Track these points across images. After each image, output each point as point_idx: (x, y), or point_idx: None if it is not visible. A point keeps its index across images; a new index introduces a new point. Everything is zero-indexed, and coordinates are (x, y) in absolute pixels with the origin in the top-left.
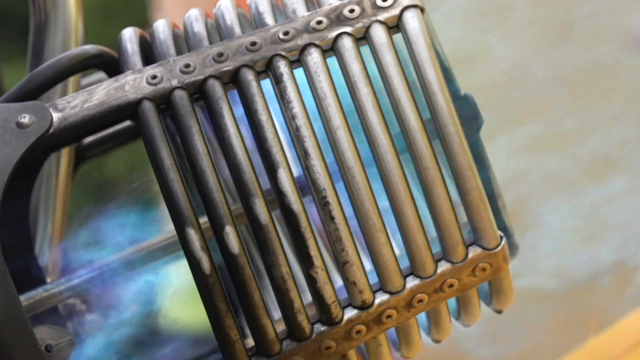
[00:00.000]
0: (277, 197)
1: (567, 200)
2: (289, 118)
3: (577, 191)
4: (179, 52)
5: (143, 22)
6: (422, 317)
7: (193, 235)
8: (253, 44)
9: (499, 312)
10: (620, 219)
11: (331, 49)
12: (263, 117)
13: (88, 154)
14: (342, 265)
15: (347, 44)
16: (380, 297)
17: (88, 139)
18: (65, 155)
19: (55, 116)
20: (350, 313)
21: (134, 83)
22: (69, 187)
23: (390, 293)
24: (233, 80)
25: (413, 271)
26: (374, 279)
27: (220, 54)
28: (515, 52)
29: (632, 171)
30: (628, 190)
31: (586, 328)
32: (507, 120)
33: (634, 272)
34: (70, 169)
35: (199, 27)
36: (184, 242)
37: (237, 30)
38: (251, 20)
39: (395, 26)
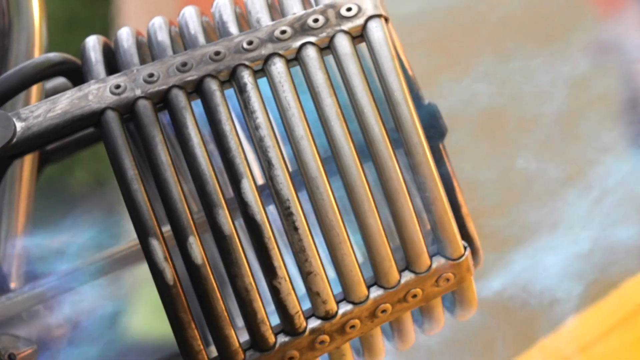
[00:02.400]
0: (240, 208)
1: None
2: (252, 128)
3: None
4: (142, 60)
5: (107, 30)
6: (386, 326)
7: (156, 245)
8: (217, 53)
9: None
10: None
11: (295, 59)
12: (227, 127)
13: (52, 157)
14: (305, 276)
15: (311, 53)
16: (344, 307)
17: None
18: (28, 161)
19: (19, 125)
20: (313, 323)
21: (97, 92)
22: (32, 193)
23: (354, 303)
24: (197, 89)
25: (377, 281)
26: (338, 288)
27: (184, 64)
28: (482, 66)
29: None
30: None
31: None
32: (474, 131)
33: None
34: (34, 174)
35: (162, 36)
36: (147, 252)
37: (201, 39)
38: (215, 29)
39: (359, 36)
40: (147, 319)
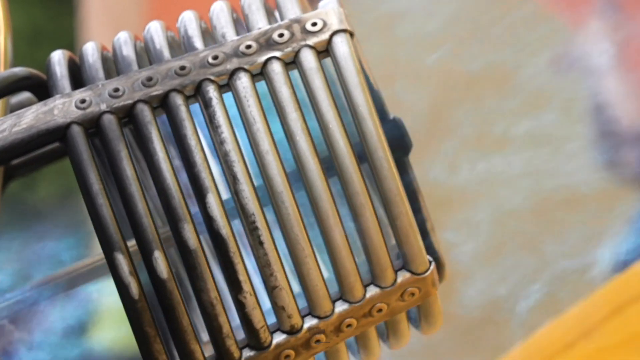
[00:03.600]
0: (205, 222)
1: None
2: (217, 143)
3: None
4: (108, 75)
5: (72, 44)
6: (351, 340)
7: (121, 260)
8: (182, 68)
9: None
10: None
11: (260, 74)
12: (192, 141)
13: (16, 172)
14: (270, 290)
15: (276, 68)
16: (309, 322)
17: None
18: None
19: None
20: (279, 338)
21: (62, 107)
22: None
23: (319, 318)
24: (162, 104)
25: (342, 296)
26: (303, 303)
27: (150, 78)
28: (443, 78)
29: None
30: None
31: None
32: (434, 142)
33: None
34: None
35: (127, 51)
36: (112, 266)
37: (167, 54)
38: (181, 44)
39: (324, 50)
40: (113, 333)
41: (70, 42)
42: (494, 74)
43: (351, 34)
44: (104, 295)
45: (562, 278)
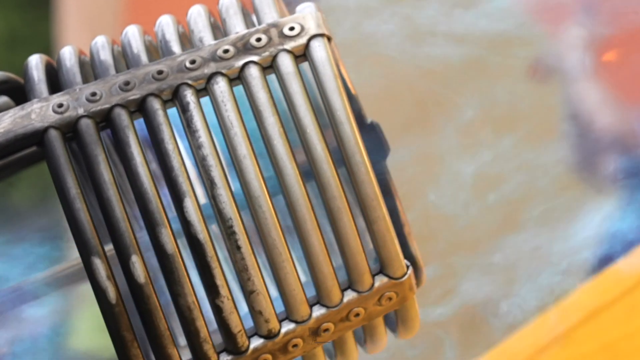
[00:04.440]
0: (183, 227)
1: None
2: (195, 147)
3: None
4: (85, 80)
5: (49, 49)
6: (328, 345)
7: (99, 264)
8: (160, 72)
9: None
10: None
11: (238, 78)
12: (169, 146)
13: None
14: (248, 295)
15: (253, 73)
16: (287, 326)
17: None
18: None
19: None
20: (256, 342)
21: (40, 111)
22: None
23: (297, 322)
24: (140, 108)
25: (319, 300)
26: (281, 307)
27: (127, 83)
28: (423, 85)
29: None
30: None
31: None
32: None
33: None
34: None
35: (105, 55)
36: (89, 271)
37: (144, 58)
38: (158, 48)
39: (302, 55)
40: (90, 337)
41: (47, 46)
42: (469, 82)
43: (329, 38)
44: (82, 299)
45: (534, 283)
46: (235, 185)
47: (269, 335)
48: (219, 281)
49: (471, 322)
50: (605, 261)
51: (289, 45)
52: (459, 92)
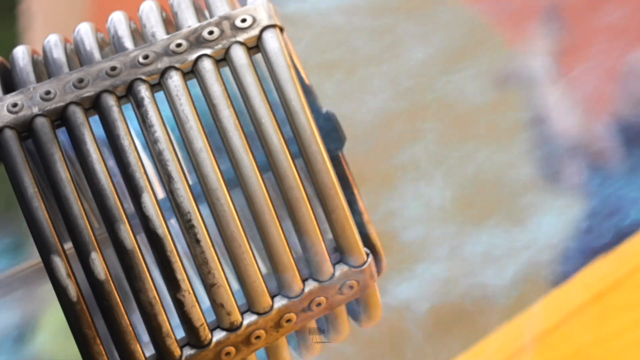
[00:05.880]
0: (141, 222)
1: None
2: (151, 142)
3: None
4: (39, 78)
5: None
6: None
7: (59, 262)
8: (113, 68)
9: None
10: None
11: (192, 72)
12: (125, 142)
13: None
14: (209, 288)
15: (207, 66)
16: (249, 318)
17: None
18: None
19: None
20: (219, 335)
21: None
22: None
23: (258, 314)
24: (94, 105)
25: (280, 291)
26: (242, 299)
27: (81, 80)
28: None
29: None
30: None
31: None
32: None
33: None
34: None
35: (58, 53)
36: (49, 269)
37: (97, 55)
38: (111, 45)
39: (255, 46)
40: (52, 336)
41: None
42: (430, 88)
43: (281, 29)
44: (43, 298)
45: (501, 291)
46: (193, 179)
47: (232, 328)
48: (180, 275)
49: (435, 324)
50: (571, 266)
51: (242, 37)
52: (422, 102)
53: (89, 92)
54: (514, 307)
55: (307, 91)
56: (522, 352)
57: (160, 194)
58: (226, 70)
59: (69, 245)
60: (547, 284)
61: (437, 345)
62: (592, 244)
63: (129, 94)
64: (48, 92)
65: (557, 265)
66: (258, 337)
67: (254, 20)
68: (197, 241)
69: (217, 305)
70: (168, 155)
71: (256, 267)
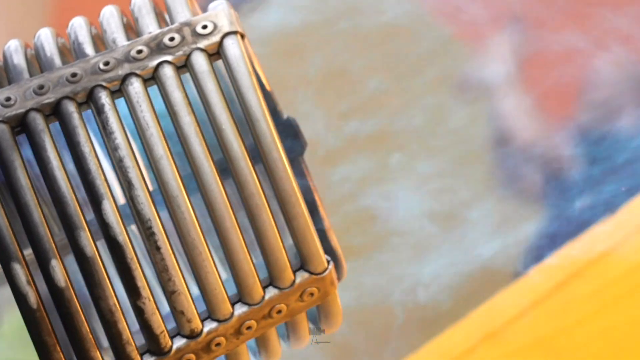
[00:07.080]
0: (101, 229)
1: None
2: (111, 149)
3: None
4: None
5: None
6: (251, 342)
7: (18, 269)
8: (73, 75)
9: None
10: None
11: (152, 78)
12: (85, 148)
13: None
14: (169, 295)
15: (167, 72)
16: (209, 325)
17: None
18: None
19: None
20: (179, 342)
21: None
22: None
23: (219, 321)
24: (55, 112)
25: (241, 298)
26: (202, 307)
27: (41, 86)
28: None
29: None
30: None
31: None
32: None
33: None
34: None
35: (18, 59)
36: (9, 276)
37: (58, 61)
38: (71, 51)
39: (216, 53)
40: (12, 343)
41: None
42: (390, 93)
43: (242, 36)
44: (3, 305)
45: (464, 283)
46: (154, 186)
47: (192, 335)
48: (140, 282)
49: (398, 320)
50: (531, 266)
51: (203, 43)
52: (383, 109)
53: (49, 98)
54: (474, 300)
55: (268, 97)
56: (481, 344)
57: (122, 199)
58: (188, 77)
59: (28, 252)
60: (508, 275)
61: (404, 337)
62: (552, 244)
63: (89, 100)
64: (8, 99)
65: (517, 258)
66: (218, 344)
67: (215, 26)
68: (158, 248)
69: (177, 313)
70: (128, 162)
71: (217, 274)
